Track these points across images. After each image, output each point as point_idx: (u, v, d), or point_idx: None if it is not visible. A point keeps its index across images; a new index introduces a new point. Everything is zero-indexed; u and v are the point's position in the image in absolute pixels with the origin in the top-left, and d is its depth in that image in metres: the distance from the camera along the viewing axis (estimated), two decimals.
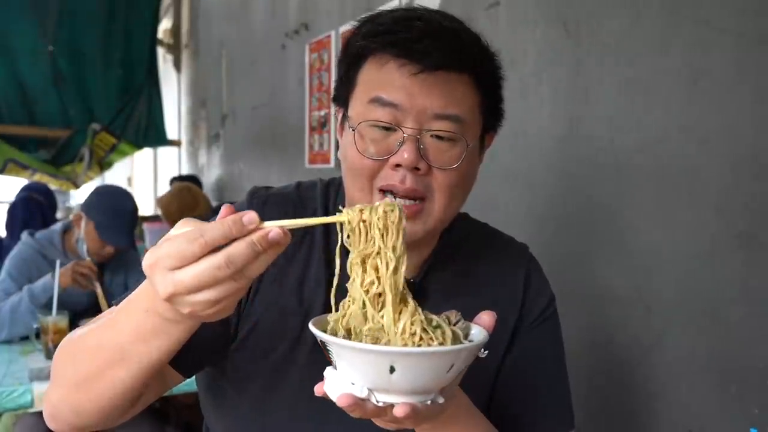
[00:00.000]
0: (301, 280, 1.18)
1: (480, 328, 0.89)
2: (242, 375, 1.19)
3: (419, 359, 0.76)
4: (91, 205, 3.31)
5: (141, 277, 1.19)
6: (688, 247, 1.67)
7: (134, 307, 0.91)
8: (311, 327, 0.82)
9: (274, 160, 5.03)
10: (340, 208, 0.91)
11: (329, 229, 1.21)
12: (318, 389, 0.84)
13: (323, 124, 3.98)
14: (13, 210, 4.98)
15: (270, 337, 1.17)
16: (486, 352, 1.20)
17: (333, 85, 1.21)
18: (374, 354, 0.75)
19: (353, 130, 1.09)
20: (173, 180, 6.74)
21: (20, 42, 6.83)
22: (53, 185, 6.83)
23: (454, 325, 0.87)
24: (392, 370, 0.74)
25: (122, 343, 0.92)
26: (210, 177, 7.10)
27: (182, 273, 0.76)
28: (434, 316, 0.85)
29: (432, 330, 0.81)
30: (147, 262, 0.79)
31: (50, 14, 6.92)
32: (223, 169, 6.65)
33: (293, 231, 1.16)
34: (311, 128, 4.16)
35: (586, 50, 1.97)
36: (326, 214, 1.21)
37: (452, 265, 1.26)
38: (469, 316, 1.21)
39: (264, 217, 1.15)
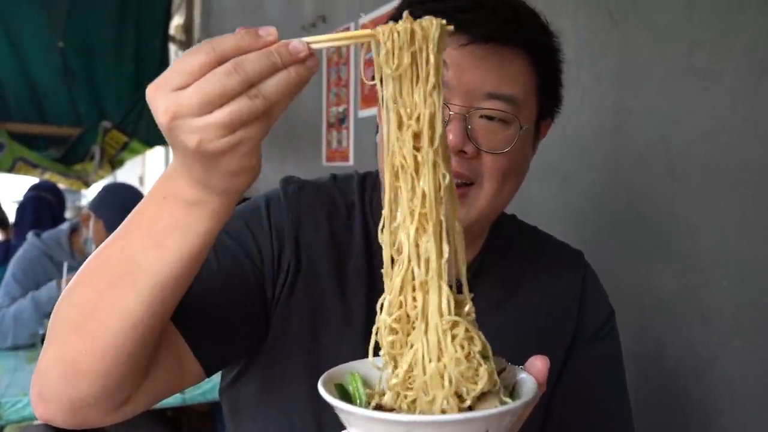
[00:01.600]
0: (339, 273, 1.08)
1: (530, 380, 0.73)
2: (278, 373, 1.07)
3: (440, 428, 0.63)
4: (100, 204, 3.25)
5: None
6: (751, 251, 1.53)
7: (147, 201, 0.77)
8: (320, 388, 0.70)
9: (290, 158, 4.94)
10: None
11: (368, 219, 1.12)
12: None
13: (342, 120, 3.86)
14: (22, 210, 4.90)
15: (309, 331, 1.05)
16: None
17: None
18: (386, 424, 0.63)
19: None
20: None
21: (30, 38, 6.78)
22: (63, 184, 6.79)
23: (499, 374, 0.71)
24: None
25: (130, 252, 0.75)
26: None
27: (187, 89, 0.64)
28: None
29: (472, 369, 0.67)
30: (150, 87, 0.66)
31: (60, 10, 6.87)
32: None
33: (329, 226, 1.02)
34: (329, 125, 4.04)
35: (635, 37, 1.83)
36: (365, 207, 1.14)
37: (500, 270, 1.15)
38: (520, 330, 1.09)
39: (301, 203, 1.09)
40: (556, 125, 2.13)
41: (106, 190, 3.43)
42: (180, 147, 0.67)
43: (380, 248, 0.96)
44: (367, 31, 0.71)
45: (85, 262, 0.81)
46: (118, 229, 0.80)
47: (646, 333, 1.81)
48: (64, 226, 3.33)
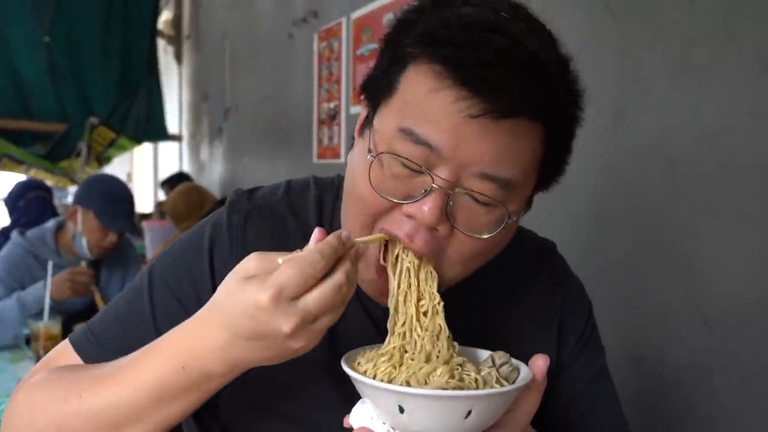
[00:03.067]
0: None
1: (526, 372, 0.82)
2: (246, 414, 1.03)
3: (425, 401, 0.73)
4: (86, 195, 3.19)
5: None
6: (755, 254, 1.50)
7: (159, 364, 0.82)
8: (343, 364, 0.80)
9: (280, 155, 4.90)
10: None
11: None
12: (345, 421, 0.83)
13: (333, 116, 3.82)
14: (27, 208, 4.83)
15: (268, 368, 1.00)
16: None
17: (370, 70, 0.95)
18: (382, 391, 0.74)
19: (372, 156, 0.85)
20: (164, 183, 6.65)
21: (15, 33, 6.71)
22: (49, 181, 6.72)
23: (499, 367, 0.81)
24: (401, 410, 0.74)
25: (138, 405, 0.83)
26: (212, 173, 6.97)
27: (306, 299, 0.72)
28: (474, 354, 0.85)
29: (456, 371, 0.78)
30: (266, 296, 0.71)
31: (46, 5, 6.80)
32: (225, 165, 6.52)
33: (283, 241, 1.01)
34: (320, 121, 4.01)
35: (634, 34, 1.80)
36: (323, 227, 1.04)
37: (473, 278, 1.02)
38: (504, 340, 1.04)
39: (247, 237, 1.01)
40: (575, 130, 2.09)
41: (89, 182, 3.38)
42: (224, 362, 0.76)
43: None
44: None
45: (64, 402, 0.88)
46: (115, 371, 0.86)
47: (645, 338, 1.78)
48: (50, 224, 3.27)
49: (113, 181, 3.44)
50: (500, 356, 0.83)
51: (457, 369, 0.78)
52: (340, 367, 0.80)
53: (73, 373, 0.93)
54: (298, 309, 0.71)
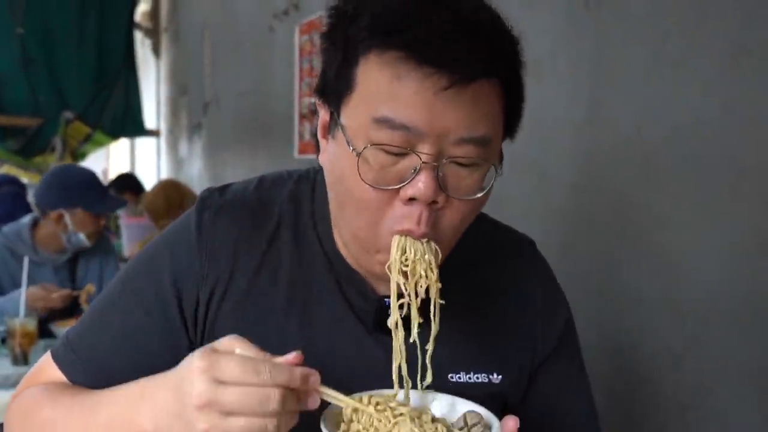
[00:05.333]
0: (267, 300, 1.05)
1: None
2: None
3: None
4: (63, 196, 3.18)
5: (116, 268, 1.11)
6: (727, 245, 1.59)
7: (113, 411, 0.90)
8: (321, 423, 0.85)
9: (261, 150, 4.94)
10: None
11: (300, 233, 1.07)
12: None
13: (315, 111, 3.87)
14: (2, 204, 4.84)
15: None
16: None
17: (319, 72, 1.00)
18: None
19: (356, 153, 0.88)
20: (114, 181, 6.40)
21: None
22: (23, 178, 6.71)
23: (471, 428, 0.86)
24: None
25: None
26: (191, 168, 7.00)
27: (228, 389, 0.77)
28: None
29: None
30: (198, 365, 0.78)
31: None
32: (205, 161, 6.55)
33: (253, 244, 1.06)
34: (301, 116, 4.07)
35: (610, 26, 1.89)
36: (296, 232, 1.07)
37: (452, 281, 1.05)
38: (481, 340, 1.10)
39: (216, 234, 1.05)
40: (533, 119, 2.18)
41: (54, 181, 3.25)
42: (189, 421, 0.79)
43: (311, 266, 1.04)
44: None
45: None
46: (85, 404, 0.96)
47: (621, 328, 1.86)
48: (26, 219, 3.28)
49: (72, 169, 3.50)
50: (472, 417, 0.87)
51: (428, 423, 0.84)
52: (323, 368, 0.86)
53: (54, 401, 1.02)
54: (216, 391, 0.76)
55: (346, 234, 0.99)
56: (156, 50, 8.64)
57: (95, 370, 1.03)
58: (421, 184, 0.87)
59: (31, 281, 2.94)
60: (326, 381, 0.83)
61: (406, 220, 0.90)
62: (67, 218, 3.13)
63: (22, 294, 2.76)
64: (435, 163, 0.87)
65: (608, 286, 1.89)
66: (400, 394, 0.91)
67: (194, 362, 0.78)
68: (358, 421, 0.85)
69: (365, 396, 0.88)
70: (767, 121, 1.49)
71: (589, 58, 1.95)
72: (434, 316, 0.93)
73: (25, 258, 2.87)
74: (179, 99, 7.55)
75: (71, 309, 3.13)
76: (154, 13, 8.65)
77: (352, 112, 0.90)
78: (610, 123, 1.89)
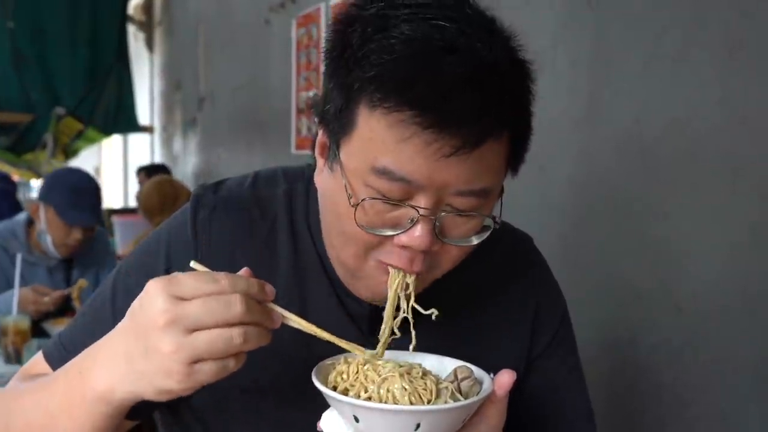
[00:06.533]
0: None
1: (489, 386, 0.89)
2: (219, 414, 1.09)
3: (374, 414, 0.82)
4: (47, 190, 3.19)
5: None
6: (725, 239, 1.62)
7: (70, 369, 0.94)
8: (313, 375, 0.88)
9: (257, 146, 4.97)
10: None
11: (295, 231, 1.09)
12: (318, 425, 0.91)
13: (312, 105, 3.91)
14: None
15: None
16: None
17: (318, 90, 1.04)
18: (338, 402, 0.84)
19: (353, 204, 0.89)
20: (140, 170, 6.64)
21: None
22: (14, 175, 6.74)
23: (461, 381, 0.88)
24: (356, 419, 0.83)
25: (53, 411, 0.94)
26: (186, 165, 7.02)
27: (192, 303, 0.78)
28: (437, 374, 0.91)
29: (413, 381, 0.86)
30: (163, 318, 0.78)
31: None
32: (200, 157, 6.58)
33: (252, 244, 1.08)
34: (298, 110, 4.09)
35: (609, 20, 1.92)
36: (291, 233, 1.09)
37: (447, 280, 1.07)
38: (477, 334, 1.13)
39: (212, 232, 1.07)
40: (533, 114, 2.21)
41: (52, 175, 3.37)
42: (153, 346, 0.79)
43: (306, 268, 1.07)
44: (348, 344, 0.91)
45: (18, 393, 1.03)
46: (47, 380, 0.98)
47: (620, 323, 1.90)
48: (21, 217, 3.30)
49: (76, 173, 3.42)
50: (462, 371, 0.89)
51: (418, 379, 0.86)
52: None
53: (27, 383, 1.06)
54: (178, 306, 0.78)
55: (333, 255, 1.02)
56: (149, 44, 8.66)
57: None
58: (417, 234, 0.88)
59: (26, 282, 2.96)
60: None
61: (398, 259, 0.92)
62: (42, 213, 3.13)
63: (15, 293, 2.79)
64: (432, 216, 0.88)
65: (606, 280, 1.93)
66: (387, 355, 0.94)
67: (150, 285, 0.80)
68: (344, 381, 0.88)
69: (347, 356, 0.93)
70: (765, 115, 1.52)
71: (589, 53, 1.99)
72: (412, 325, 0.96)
73: (18, 255, 2.89)
74: (173, 94, 7.57)
75: (64, 308, 3.16)
76: (147, 6, 8.67)
77: (352, 154, 0.90)
78: (609, 117, 1.93)
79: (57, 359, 1.07)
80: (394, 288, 0.94)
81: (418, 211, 0.88)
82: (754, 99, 1.55)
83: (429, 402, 0.84)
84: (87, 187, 3.27)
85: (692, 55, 1.69)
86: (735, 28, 1.59)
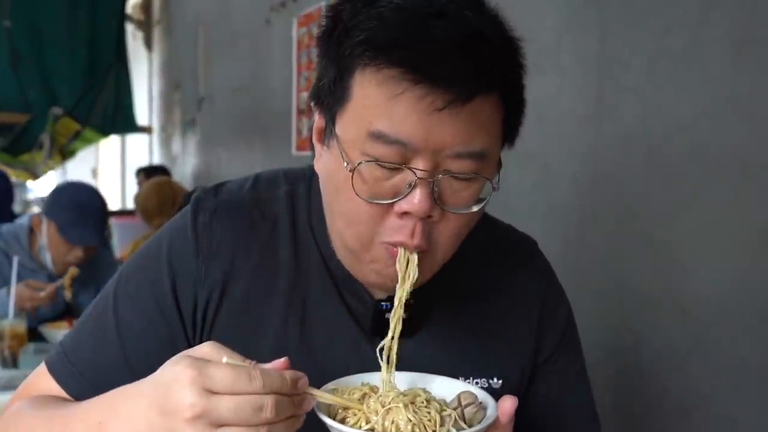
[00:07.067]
0: (267, 301, 1.08)
1: (493, 412, 0.88)
2: None
3: None
4: (50, 204, 3.17)
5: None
6: (733, 242, 1.62)
7: (86, 416, 0.90)
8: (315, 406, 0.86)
9: (257, 147, 4.96)
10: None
11: (297, 233, 1.10)
12: None
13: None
14: None
15: None
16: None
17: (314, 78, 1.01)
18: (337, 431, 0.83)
19: (350, 170, 0.91)
20: (139, 171, 6.64)
21: None
22: (10, 176, 6.74)
23: (464, 408, 0.89)
24: None
25: None
26: (185, 166, 7.02)
27: (221, 398, 0.76)
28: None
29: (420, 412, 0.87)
30: (187, 375, 0.76)
31: None
32: (199, 158, 6.57)
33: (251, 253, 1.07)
34: (299, 111, 4.09)
35: (614, 19, 1.92)
36: (293, 235, 1.10)
37: (449, 278, 1.08)
38: (481, 341, 1.13)
39: (213, 236, 1.07)
40: (536, 111, 2.21)
41: (56, 189, 3.33)
42: (168, 410, 0.78)
43: (309, 270, 1.06)
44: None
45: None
46: (62, 418, 0.95)
47: (625, 326, 1.89)
48: (24, 220, 3.27)
49: (82, 189, 3.38)
50: (466, 396, 0.90)
51: (422, 408, 0.87)
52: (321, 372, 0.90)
53: (37, 411, 1.03)
54: (208, 401, 0.75)
55: (338, 242, 1.02)
56: (148, 44, 8.67)
57: (94, 379, 1.04)
58: (417, 200, 0.89)
59: None
60: (325, 384, 0.86)
61: (400, 233, 0.92)
62: (44, 228, 3.11)
63: (12, 294, 2.78)
64: (430, 179, 0.89)
65: (611, 282, 1.92)
66: (394, 376, 0.94)
67: (181, 372, 0.77)
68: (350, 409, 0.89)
69: (358, 382, 0.93)
70: None
71: (594, 51, 1.98)
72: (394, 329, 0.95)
73: (15, 258, 2.87)
74: (172, 94, 7.57)
75: (62, 312, 3.15)
76: (146, 5, 8.68)
77: (347, 124, 0.92)
78: (614, 116, 1.92)
79: (62, 373, 1.07)
80: (404, 267, 0.94)
81: (415, 174, 0.89)
82: (762, 98, 1.54)
83: None
84: (92, 205, 3.24)
85: (699, 53, 1.69)
86: (742, 26, 1.58)
